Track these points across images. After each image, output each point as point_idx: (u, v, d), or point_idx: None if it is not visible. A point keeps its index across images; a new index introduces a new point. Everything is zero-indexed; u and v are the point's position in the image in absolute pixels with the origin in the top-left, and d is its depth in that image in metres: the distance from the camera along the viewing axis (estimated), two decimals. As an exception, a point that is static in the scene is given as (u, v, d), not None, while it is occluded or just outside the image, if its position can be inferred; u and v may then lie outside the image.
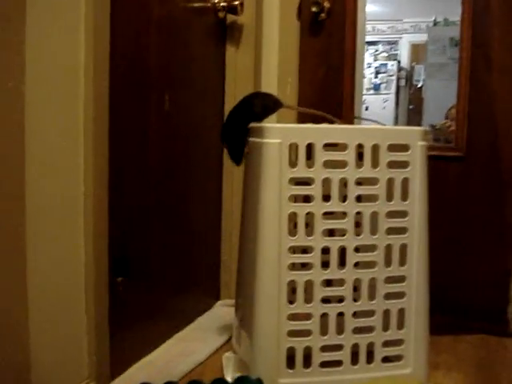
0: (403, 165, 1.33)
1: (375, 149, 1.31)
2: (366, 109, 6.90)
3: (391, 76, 7.25)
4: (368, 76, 7.27)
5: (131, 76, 1.48)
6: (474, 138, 2.00)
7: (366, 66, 7.08)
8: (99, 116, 1.24)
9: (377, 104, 7.07)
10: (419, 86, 6.69)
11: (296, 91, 2.02)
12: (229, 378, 1.43)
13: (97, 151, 1.23)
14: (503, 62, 1.96)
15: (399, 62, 7.29)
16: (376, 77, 7.31)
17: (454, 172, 2.00)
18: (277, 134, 1.27)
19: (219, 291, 2.08)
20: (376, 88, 7.28)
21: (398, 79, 7.15)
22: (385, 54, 7.43)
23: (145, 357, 1.57)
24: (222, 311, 1.99)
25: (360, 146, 1.30)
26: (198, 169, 1.87)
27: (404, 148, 1.33)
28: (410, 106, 6.86)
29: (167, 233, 1.70)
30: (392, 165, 1.32)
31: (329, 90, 2.03)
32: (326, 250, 1.31)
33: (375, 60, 7.39)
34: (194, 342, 1.74)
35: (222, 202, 2.04)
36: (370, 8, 6.30)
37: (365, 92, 6.90)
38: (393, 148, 1.32)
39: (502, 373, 1.70)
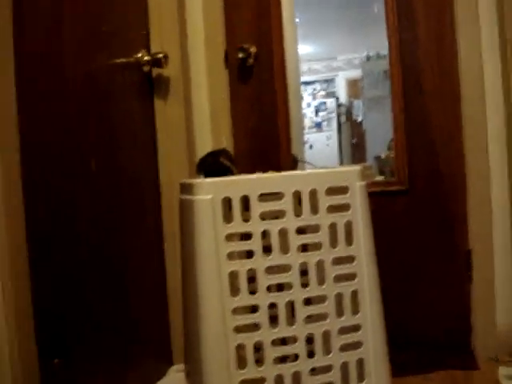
0: (344, 208, 1.27)
1: (313, 194, 1.25)
2: (311, 147, 6.92)
3: (331, 113, 7.31)
4: (309, 115, 7.32)
5: (54, 141, 1.39)
6: (415, 168, 1.97)
7: (305, 105, 7.12)
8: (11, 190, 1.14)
9: (320, 142, 7.10)
10: (359, 120, 6.75)
11: (231, 141, 1.96)
12: None
13: (11, 227, 1.13)
14: (434, 88, 1.95)
15: (337, 98, 7.37)
16: (317, 115, 7.37)
17: (400, 206, 1.96)
18: (207, 190, 1.20)
19: (171, 355, 1.96)
20: (318, 126, 7.33)
21: (339, 115, 7.21)
22: (323, 93, 7.51)
23: None
24: (177, 377, 1.87)
25: (297, 193, 1.24)
26: (135, 227, 1.78)
27: (343, 190, 1.27)
28: (353, 141, 6.91)
29: (107, 300, 1.59)
30: (332, 209, 1.26)
31: (263, 136, 1.98)
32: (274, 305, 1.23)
33: (314, 99, 7.46)
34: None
35: (164, 261, 1.94)
36: (304, 49, 6.37)
37: (307, 131, 6.93)
38: (331, 191, 1.26)
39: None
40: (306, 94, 7.30)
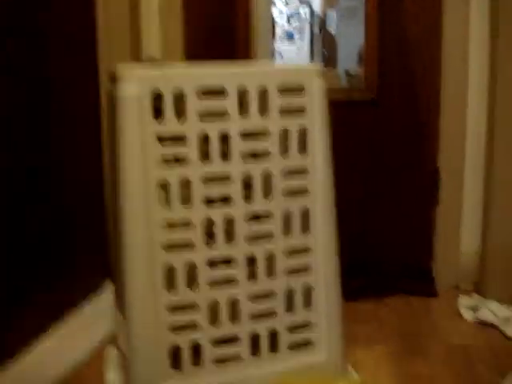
0: (298, 111, 1.08)
1: (262, 93, 1.05)
2: (281, 57, 6.64)
3: (304, 23, 6.99)
4: (281, 24, 6.99)
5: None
6: (386, 77, 1.78)
7: (277, 12, 6.78)
8: None
9: (291, 53, 6.82)
10: (333, 32, 6.46)
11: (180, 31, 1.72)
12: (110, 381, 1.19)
13: None
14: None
15: (311, 7, 7.03)
16: (289, 23, 7.04)
17: (366, 117, 1.78)
18: (134, 82, 0.99)
19: (108, 269, 1.80)
20: (290, 37, 7.02)
21: (311, 26, 6.90)
22: (296, 0, 7.15)
23: (5, 364, 1.29)
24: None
25: (243, 91, 1.05)
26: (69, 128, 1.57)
27: (298, 90, 1.08)
28: (325, 54, 6.64)
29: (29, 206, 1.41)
30: (284, 112, 1.07)
31: (220, 29, 1.76)
32: (209, 223, 1.06)
33: (286, 4, 7.10)
34: (75, 335, 1.47)
35: (102, 161, 1.74)
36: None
37: (279, 42, 6.62)
38: (284, 91, 1.07)
39: (428, 339, 1.52)
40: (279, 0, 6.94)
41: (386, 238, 1.80)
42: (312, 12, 7.12)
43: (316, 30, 7.20)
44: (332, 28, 7.20)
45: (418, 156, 1.79)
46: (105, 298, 1.67)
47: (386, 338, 1.51)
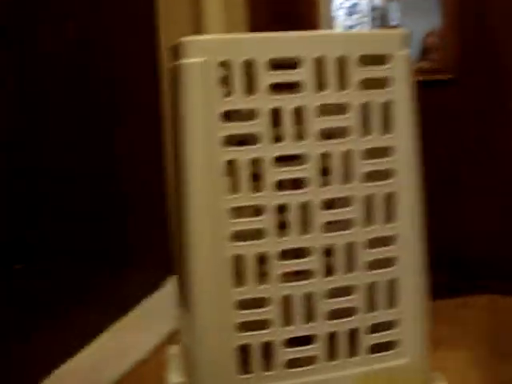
0: (381, 84, 0.96)
1: (342, 63, 0.94)
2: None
3: (365, 17, 6.83)
4: (340, 18, 6.84)
5: None
6: (467, 54, 1.64)
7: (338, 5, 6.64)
8: None
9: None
10: (394, 24, 6.29)
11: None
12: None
13: None
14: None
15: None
16: (349, 17, 6.89)
17: (445, 98, 1.63)
18: (199, 50, 0.89)
19: (170, 264, 1.71)
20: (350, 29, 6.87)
21: (373, 19, 6.73)
22: (357, -8, 6.99)
23: (65, 362, 1.22)
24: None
25: (320, 61, 0.93)
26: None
27: (380, 60, 0.96)
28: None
29: (83, 197, 1.33)
30: (366, 85, 0.95)
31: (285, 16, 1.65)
32: (281, 211, 0.95)
33: (347, -1, 6.96)
34: (135, 332, 1.39)
35: (162, 144, 1.66)
36: None
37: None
38: (365, 61, 0.95)
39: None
40: (339, -8, 6.79)
41: (466, 230, 1.65)
42: (372, 4, 6.95)
43: (377, 23, 7.03)
44: (393, 20, 7.02)
45: (502, 141, 1.64)
46: (167, 294, 1.58)
47: (472, 341, 1.38)
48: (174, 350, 1.24)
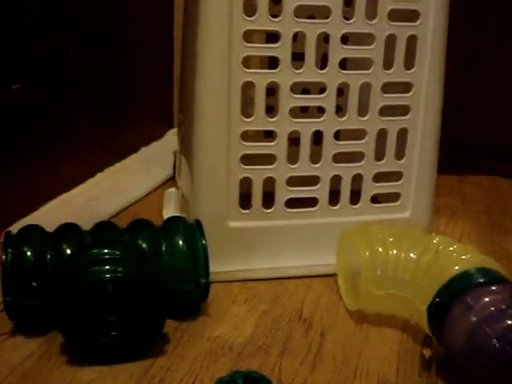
0: (410, 17, 0.90)
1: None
2: None
3: None
4: None
5: None
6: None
7: None
8: None
9: None
10: None
11: None
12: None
13: None
14: None
15: None
16: None
17: None
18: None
19: (172, 117, 1.68)
20: None
21: None
22: None
23: (62, 194, 1.20)
24: (175, 140, 1.60)
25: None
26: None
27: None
28: None
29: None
30: (394, 17, 0.89)
31: None
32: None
33: None
34: (132, 175, 1.37)
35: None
36: None
37: None
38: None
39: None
40: None
41: (476, 108, 1.60)
42: None
43: None
44: None
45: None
46: (167, 144, 1.55)
47: (471, 213, 1.36)
48: (172, 190, 1.23)
